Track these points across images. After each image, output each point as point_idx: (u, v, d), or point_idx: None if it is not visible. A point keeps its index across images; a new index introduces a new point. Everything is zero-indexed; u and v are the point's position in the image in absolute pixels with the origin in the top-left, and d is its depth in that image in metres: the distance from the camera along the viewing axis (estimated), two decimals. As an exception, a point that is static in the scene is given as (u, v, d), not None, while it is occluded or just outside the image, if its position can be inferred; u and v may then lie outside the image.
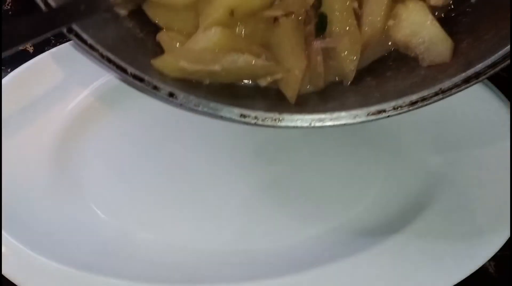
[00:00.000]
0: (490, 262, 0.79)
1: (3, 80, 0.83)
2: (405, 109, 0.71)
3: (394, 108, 0.71)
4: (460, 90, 0.69)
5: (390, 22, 0.78)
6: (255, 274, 0.74)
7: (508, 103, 0.84)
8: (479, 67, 0.68)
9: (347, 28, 0.76)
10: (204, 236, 0.80)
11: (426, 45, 0.76)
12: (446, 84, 0.69)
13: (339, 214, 0.81)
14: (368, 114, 0.71)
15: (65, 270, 0.72)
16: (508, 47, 0.67)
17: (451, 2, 0.81)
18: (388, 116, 0.71)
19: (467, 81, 0.68)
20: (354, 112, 0.72)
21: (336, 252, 0.75)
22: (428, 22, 0.76)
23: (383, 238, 0.76)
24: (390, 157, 0.86)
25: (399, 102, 0.71)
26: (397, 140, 0.86)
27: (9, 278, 0.71)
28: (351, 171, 0.85)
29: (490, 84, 0.87)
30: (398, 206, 0.81)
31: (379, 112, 0.71)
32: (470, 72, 0.69)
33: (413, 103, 0.70)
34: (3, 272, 0.71)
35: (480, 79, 0.68)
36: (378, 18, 0.77)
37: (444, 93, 0.69)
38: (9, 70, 0.87)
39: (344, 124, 0.72)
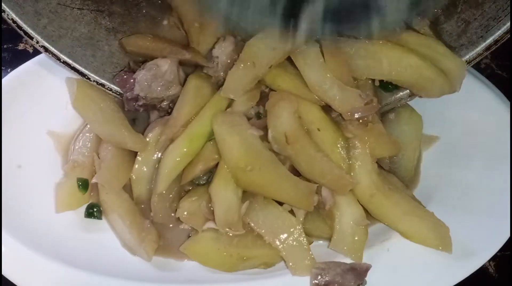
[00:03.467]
0: (490, 262, 0.79)
1: (3, 80, 0.83)
2: None
3: None
4: (482, 57, 0.75)
5: None
6: (255, 274, 0.74)
7: (508, 103, 0.84)
8: (496, 34, 0.72)
9: None
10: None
11: None
12: (472, 55, 0.76)
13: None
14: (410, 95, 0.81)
15: (64, 270, 0.72)
16: None
17: None
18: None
19: (488, 49, 0.74)
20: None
21: (337, 253, 0.75)
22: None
23: (383, 239, 0.76)
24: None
25: None
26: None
27: (9, 278, 0.71)
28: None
29: (490, 84, 0.87)
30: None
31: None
32: (489, 40, 0.73)
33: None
34: (3, 272, 0.71)
35: (498, 44, 0.73)
36: None
37: (470, 63, 0.76)
38: (9, 70, 0.87)
39: None
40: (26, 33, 0.77)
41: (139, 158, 0.78)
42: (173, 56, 0.81)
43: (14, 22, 0.75)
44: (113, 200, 0.78)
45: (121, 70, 0.84)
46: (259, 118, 0.79)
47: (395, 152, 0.80)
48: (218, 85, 0.81)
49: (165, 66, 0.80)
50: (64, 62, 0.81)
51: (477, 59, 0.75)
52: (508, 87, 0.89)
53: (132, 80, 0.81)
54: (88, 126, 0.83)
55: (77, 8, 0.81)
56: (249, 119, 0.78)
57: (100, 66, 0.84)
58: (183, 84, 0.82)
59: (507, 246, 0.74)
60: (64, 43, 0.80)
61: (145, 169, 0.78)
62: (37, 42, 0.78)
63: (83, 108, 0.82)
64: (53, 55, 0.80)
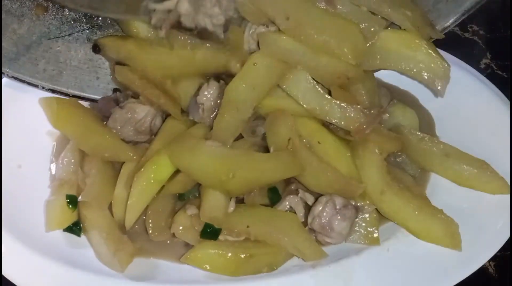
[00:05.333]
0: (490, 262, 0.79)
1: (3, 80, 0.83)
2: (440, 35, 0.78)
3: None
4: (481, 4, 0.75)
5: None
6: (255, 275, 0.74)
7: (508, 103, 0.84)
8: None
9: None
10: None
11: None
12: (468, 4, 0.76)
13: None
14: None
15: (64, 270, 0.72)
16: None
17: None
18: None
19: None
20: None
21: (338, 253, 0.75)
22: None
23: (383, 239, 0.76)
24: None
25: (438, 27, 0.79)
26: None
27: (9, 278, 0.71)
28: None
29: (490, 84, 0.87)
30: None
31: None
32: None
33: (445, 29, 0.80)
34: (3, 272, 0.71)
35: None
36: None
37: (469, 11, 0.77)
38: (9, 70, 0.87)
39: None
40: (29, 83, 0.77)
41: (117, 188, 0.77)
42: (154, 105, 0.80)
43: (16, 78, 0.76)
44: (94, 214, 0.76)
45: (113, 91, 0.84)
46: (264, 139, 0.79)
47: (398, 147, 0.79)
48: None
49: (141, 114, 0.80)
50: (74, 96, 0.81)
51: (470, 12, 0.76)
52: (508, 87, 0.89)
53: (111, 112, 0.81)
54: (71, 143, 0.81)
55: (68, 35, 0.81)
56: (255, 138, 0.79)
57: (107, 85, 0.84)
58: (155, 133, 0.81)
59: (507, 246, 0.74)
60: (67, 76, 0.80)
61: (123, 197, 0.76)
62: (43, 87, 0.78)
63: (66, 126, 0.81)
64: (62, 93, 0.80)
